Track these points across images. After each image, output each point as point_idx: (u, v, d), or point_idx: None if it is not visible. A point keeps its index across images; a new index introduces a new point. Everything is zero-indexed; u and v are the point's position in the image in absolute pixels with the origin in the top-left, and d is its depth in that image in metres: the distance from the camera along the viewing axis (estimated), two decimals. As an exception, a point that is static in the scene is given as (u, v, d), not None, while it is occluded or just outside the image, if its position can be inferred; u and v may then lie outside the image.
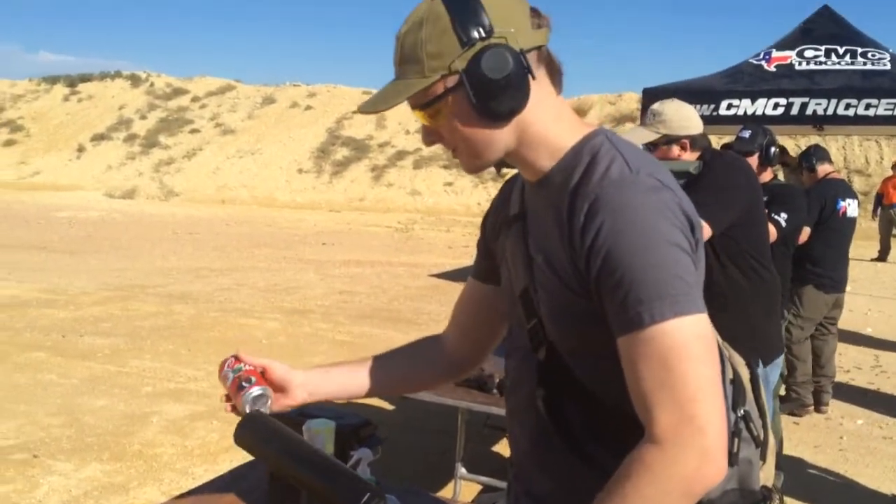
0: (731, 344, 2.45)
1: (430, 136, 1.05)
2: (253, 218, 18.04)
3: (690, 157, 2.54)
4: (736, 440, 1.02)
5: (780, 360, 2.63)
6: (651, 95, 6.97)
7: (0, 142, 27.18)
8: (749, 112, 6.60)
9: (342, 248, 12.75)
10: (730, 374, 1.08)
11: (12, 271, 9.04)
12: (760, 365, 2.44)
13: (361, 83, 32.37)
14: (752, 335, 2.48)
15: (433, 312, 7.57)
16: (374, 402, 4.48)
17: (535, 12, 1.01)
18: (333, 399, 1.32)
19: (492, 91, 0.96)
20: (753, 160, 3.56)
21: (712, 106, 6.79)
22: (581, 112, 23.15)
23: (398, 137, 24.15)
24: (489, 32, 0.95)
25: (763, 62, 7.06)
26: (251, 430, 1.21)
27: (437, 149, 21.44)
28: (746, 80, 6.94)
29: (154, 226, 15.23)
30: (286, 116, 26.60)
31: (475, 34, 0.95)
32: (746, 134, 3.61)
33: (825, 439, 4.37)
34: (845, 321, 7.60)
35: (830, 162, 4.78)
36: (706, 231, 2.37)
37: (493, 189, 19.42)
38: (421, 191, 21.60)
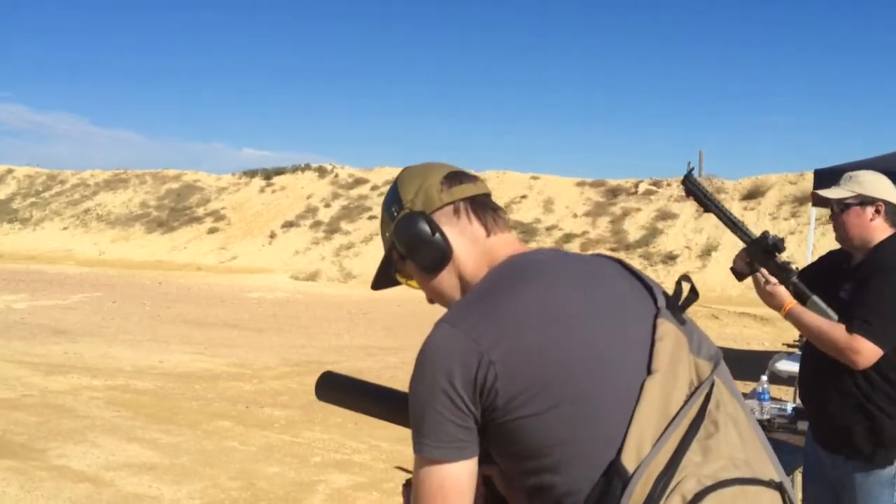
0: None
1: (426, 297, 1.26)
2: (422, 298, 18.70)
3: (884, 225, 2.45)
4: None
5: None
6: (823, 176, 6.70)
7: (205, 230, 30.29)
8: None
9: (506, 331, 12.91)
10: None
11: (208, 347, 10.02)
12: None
13: (529, 168, 32.88)
14: None
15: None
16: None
17: (450, 177, 1.19)
18: None
19: (411, 248, 1.17)
20: None
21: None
22: (758, 193, 22.16)
23: (565, 221, 24.33)
24: (401, 206, 1.19)
25: (952, 137, 6.57)
26: (331, 385, 1.43)
27: (605, 231, 20.92)
28: (931, 158, 6.49)
29: (332, 306, 16.24)
30: (457, 202, 27.68)
31: (394, 210, 1.20)
32: None
33: None
34: None
35: None
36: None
37: (662, 272, 18.90)
38: (588, 274, 21.44)
